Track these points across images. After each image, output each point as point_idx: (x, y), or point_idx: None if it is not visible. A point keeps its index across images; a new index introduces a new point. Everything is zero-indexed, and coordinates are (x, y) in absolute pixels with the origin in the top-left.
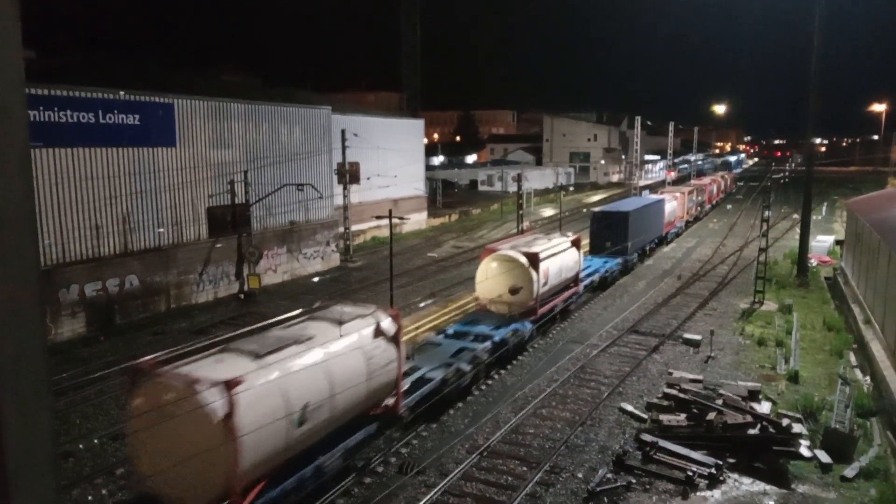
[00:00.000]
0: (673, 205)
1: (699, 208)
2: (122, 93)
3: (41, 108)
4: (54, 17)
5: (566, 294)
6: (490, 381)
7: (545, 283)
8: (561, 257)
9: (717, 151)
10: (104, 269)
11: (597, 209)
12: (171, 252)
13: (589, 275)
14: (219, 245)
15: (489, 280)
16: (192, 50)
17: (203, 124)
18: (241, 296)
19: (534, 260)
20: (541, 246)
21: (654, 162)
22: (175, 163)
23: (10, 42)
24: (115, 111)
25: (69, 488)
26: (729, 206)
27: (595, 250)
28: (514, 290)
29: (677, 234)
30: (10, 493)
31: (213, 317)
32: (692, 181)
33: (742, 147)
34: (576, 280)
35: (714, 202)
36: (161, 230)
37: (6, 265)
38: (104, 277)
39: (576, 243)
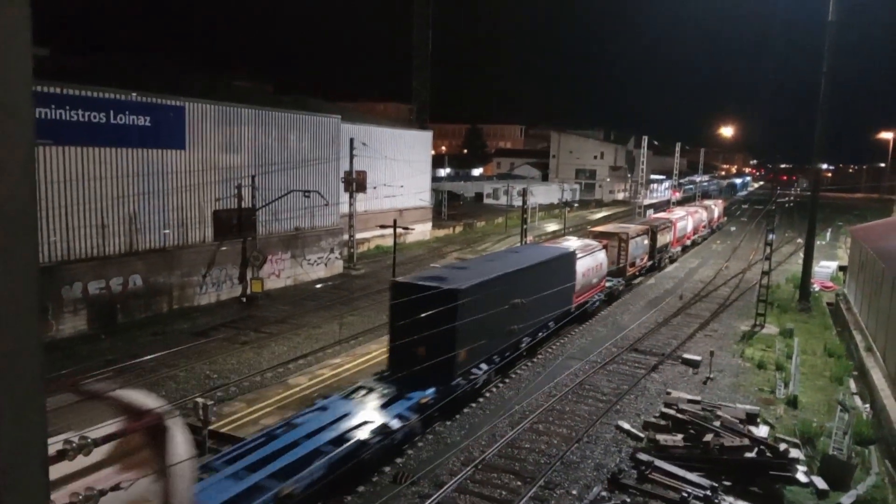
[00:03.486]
0: (596, 259)
1: (655, 256)
2: (133, 94)
3: (53, 105)
4: (69, 15)
5: None
6: (488, 395)
7: None
8: None
9: (723, 174)
10: (108, 267)
11: (402, 278)
12: (176, 253)
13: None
14: (223, 248)
15: None
16: (205, 55)
17: (213, 128)
18: (244, 299)
19: None
20: None
21: (659, 182)
22: (183, 165)
23: (18, 40)
24: (127, 112)
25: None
26: (733, 228)
27: (396, 363)
28: None
29: (609, 298)
30: (1, 492)
31: (215, 319)
32: (655, 214)
33: (748, 170)
34: None
35: (688, 241)
36: (167, 231)
37: (6, 264)
38: (108, 276)
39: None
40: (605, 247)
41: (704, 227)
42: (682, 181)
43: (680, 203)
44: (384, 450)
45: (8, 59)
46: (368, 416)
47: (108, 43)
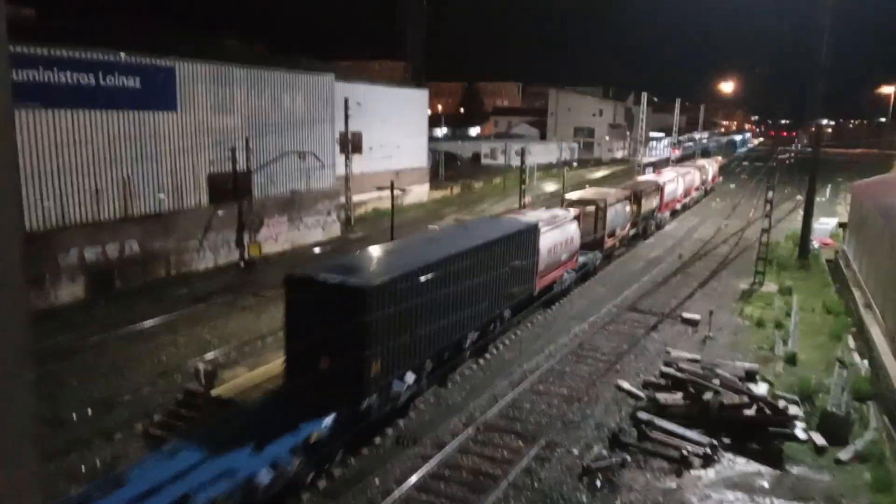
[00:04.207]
0: (566, 231)
1: (640, 224)
2: (122, 55)
3: (40, 68)
4: None
5: None
6: (488, 356)
7: None
8: None
9: (724, 130)
10: (104, 233)
11: (300, 272)
12: (172, 218)
13: None
14: (220, 212)
15: None
16: (194, 14)
17: (205, 89)
18: (242, 264)
19: None
20: None
21: (659, 139)
22: (176, 128)
23: None
24: (116, 73)
25: (65, 454)
26: (732, 185)
27: (294, 377)
28: None
29: (583, 276)
30: None
31: (213, 284)
32: (640, 177)
33: (748, 126)
34: None
35: (678, 206)
36: (162, 196)
37: None
38: (104, 242)
39: None
40: (578, 217)
41: (697, 188)
42: (681, 139)
43: (679, 161)
44: None
45: None
46: (231, 462)
47: (94, 2)
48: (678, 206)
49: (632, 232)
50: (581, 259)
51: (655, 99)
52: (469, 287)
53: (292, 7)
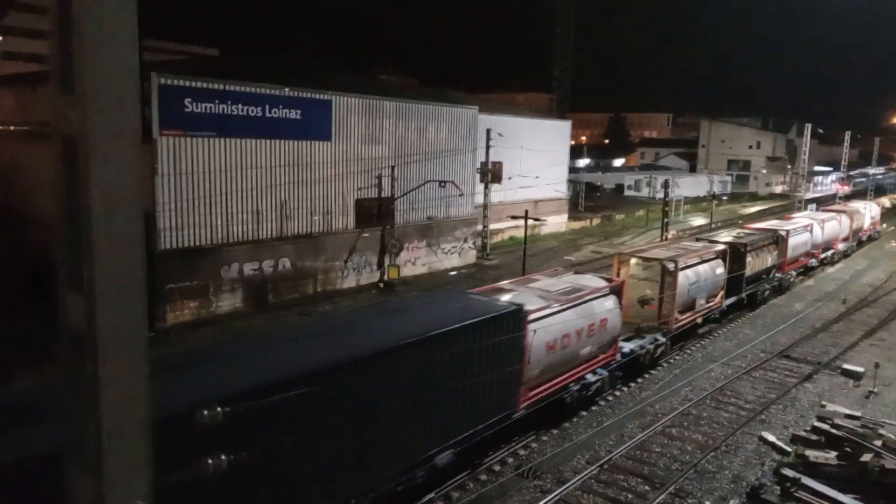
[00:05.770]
0: (591, 312)
1: (743, 289)
2: (286, 89)
3: (217, 101)
4: (233, 17)
5: None
6: (618, 393)
7: None
8: None
9: None
10: (261, 251)
11: None
12: (321, 239)
13: None
14: (364, 235)
15: None
16: (353, 50)
17: (357, 120)
18: (381, 285)
19: None
20: None
21: (824, 174)
22: (329, 156)
23: (125, 32)
24: (280, 106)
25: None
26: None
27: None
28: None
29: (628, 369)
30: (104, 456)
31: (355, 302)
32: (757, 224)
33: None
34: None
35: (814, 261)
36: (315, 218)
37: (114, 241)
38: (261, 258)
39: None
40: (618, 287)
41: (844, 239)
42: (852, 174)
43: (847, 198)
44: None
45: (115, 51)
46: None
47: (269, 42)
48: (813, 262)
49: (726, 301)
50: (627, 346)
51: (821, 131)
52: (350, 424)
53: (445, 42)
